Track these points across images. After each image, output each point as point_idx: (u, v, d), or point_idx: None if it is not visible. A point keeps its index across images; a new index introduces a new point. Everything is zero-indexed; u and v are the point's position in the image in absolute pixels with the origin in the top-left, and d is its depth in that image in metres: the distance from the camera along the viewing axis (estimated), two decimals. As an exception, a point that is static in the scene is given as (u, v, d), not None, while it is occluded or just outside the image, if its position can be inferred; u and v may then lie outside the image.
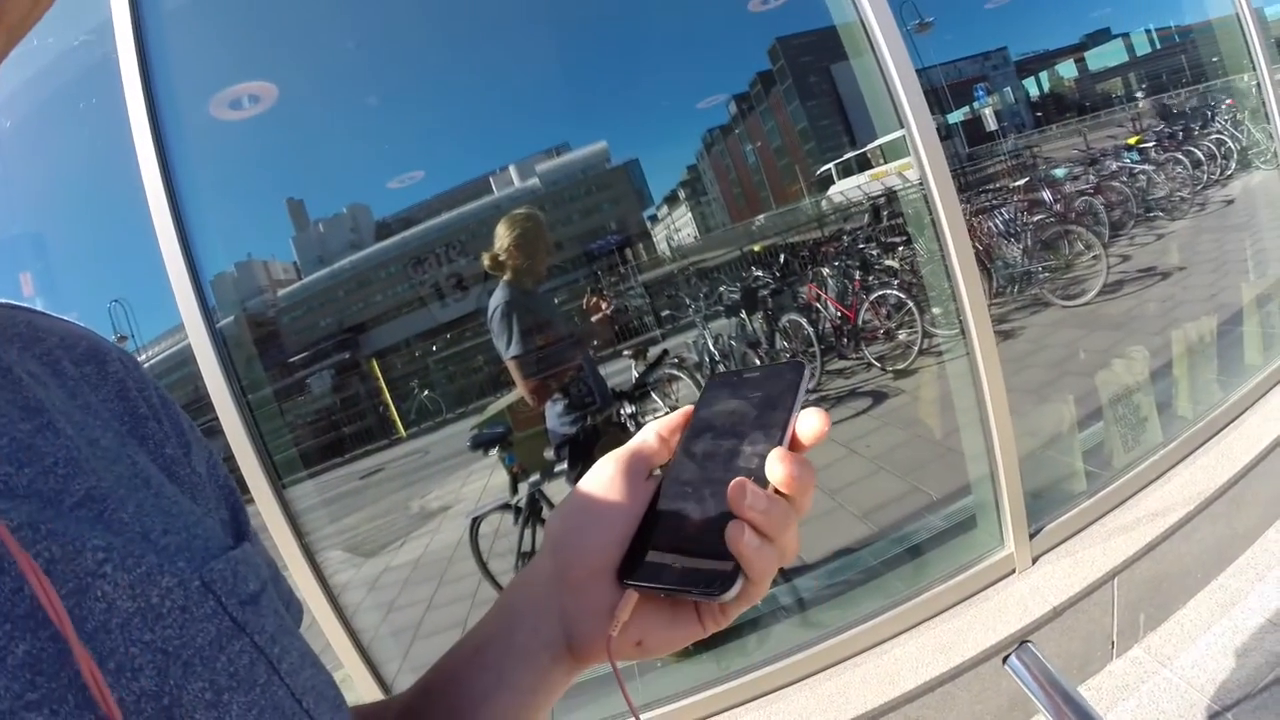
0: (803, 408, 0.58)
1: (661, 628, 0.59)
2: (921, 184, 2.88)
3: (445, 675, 0.64)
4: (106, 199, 3.32)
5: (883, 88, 2.84)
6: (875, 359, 6.51)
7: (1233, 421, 3.66)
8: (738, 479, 0.54)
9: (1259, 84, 4.14)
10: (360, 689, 2.80)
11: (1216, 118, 7.58)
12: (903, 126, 2.83)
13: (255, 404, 2.70)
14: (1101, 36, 8.32)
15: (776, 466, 0.54)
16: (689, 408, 0.66)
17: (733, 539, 0.52)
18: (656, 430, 0.65)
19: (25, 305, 0.53)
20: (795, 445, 0.57)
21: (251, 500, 2.58)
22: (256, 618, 0.44)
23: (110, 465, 0.45)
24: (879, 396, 6.08)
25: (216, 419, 2.55)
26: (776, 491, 0.54)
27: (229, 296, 4.26)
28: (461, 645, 0.65)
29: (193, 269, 2.47)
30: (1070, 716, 0.90)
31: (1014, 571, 3.08)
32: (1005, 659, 0.97)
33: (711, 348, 6.35)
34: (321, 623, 2.71)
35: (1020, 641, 0.99)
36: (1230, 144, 7.32)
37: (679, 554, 0.56)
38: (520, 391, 3.48)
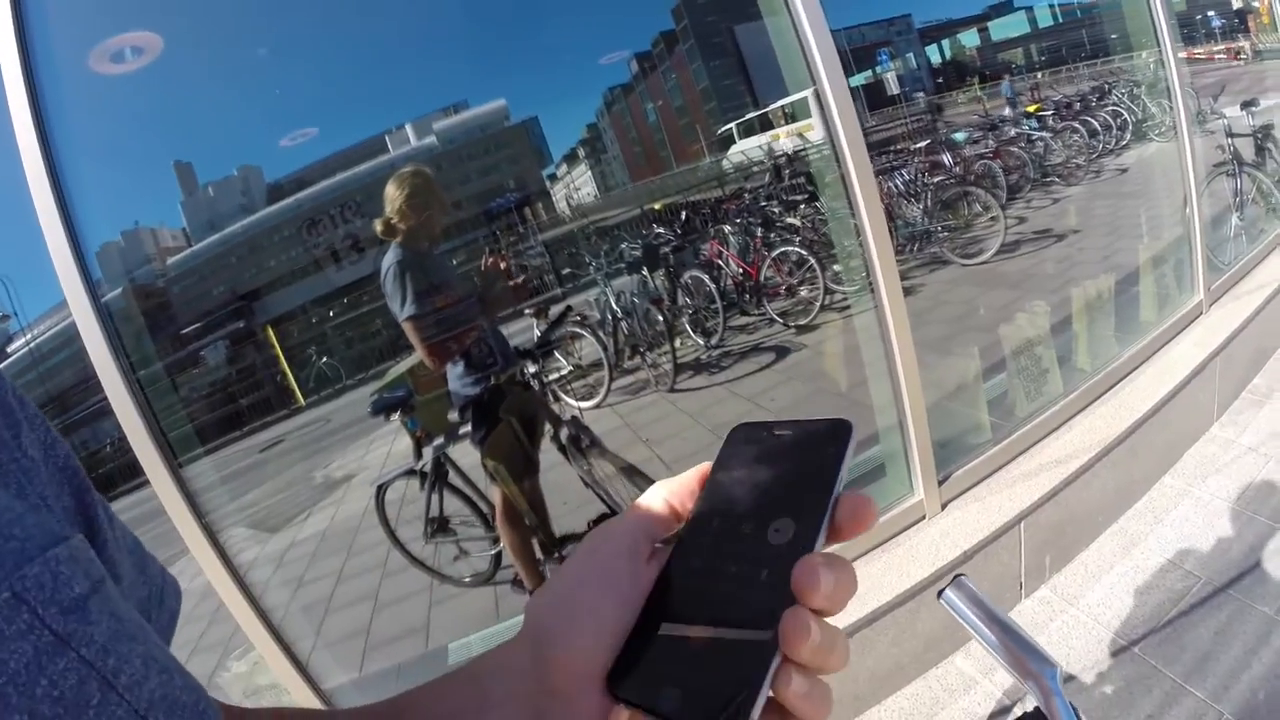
0: (844, 485, 0.48)
1: None
2: (831, 141, 2.89)
3: None
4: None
5: (795, 45, 2.83)
6: (778, 315, 6.60)
7: (1129, 374, 3.86)
8: (794, 612, 0.43)
9: (1161, 60, 4.28)
10: (274, 670, 2.73)
11: (1113, 91, 7.88)
12: (814, 83, 2.82)
13: (146, 381, 2.56)
14: (1004, 8, 8.60)
15: (813, 580, 0.43)
16: (705, 466, 0.55)
17: (780, 689, 0.43)
18: (665, 495, 0.55)
19: None
20: (833, 533, 0.47)
21: (147, 483, 2.47)
22: (83, 626, 0.37)
23: None
24: (782, 351, 6.17)
25: (105, 399, 2.42)
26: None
27: (116, 268, 4.05)
28: (421, 703, 0.56)
29: (74, 240, 2.31)
30: (1007, 642, 0.92)
31: (924, 517, 3.18)
32: (940, 593, 0.99)
33: (614, 305, 6.34)
34: (228, 604, 2.62)
35: (954, 575, 1.01)
36: (1126, 116, 7.68)
37: (685, 667, 0.45)
38: (418, 354, 3.40)
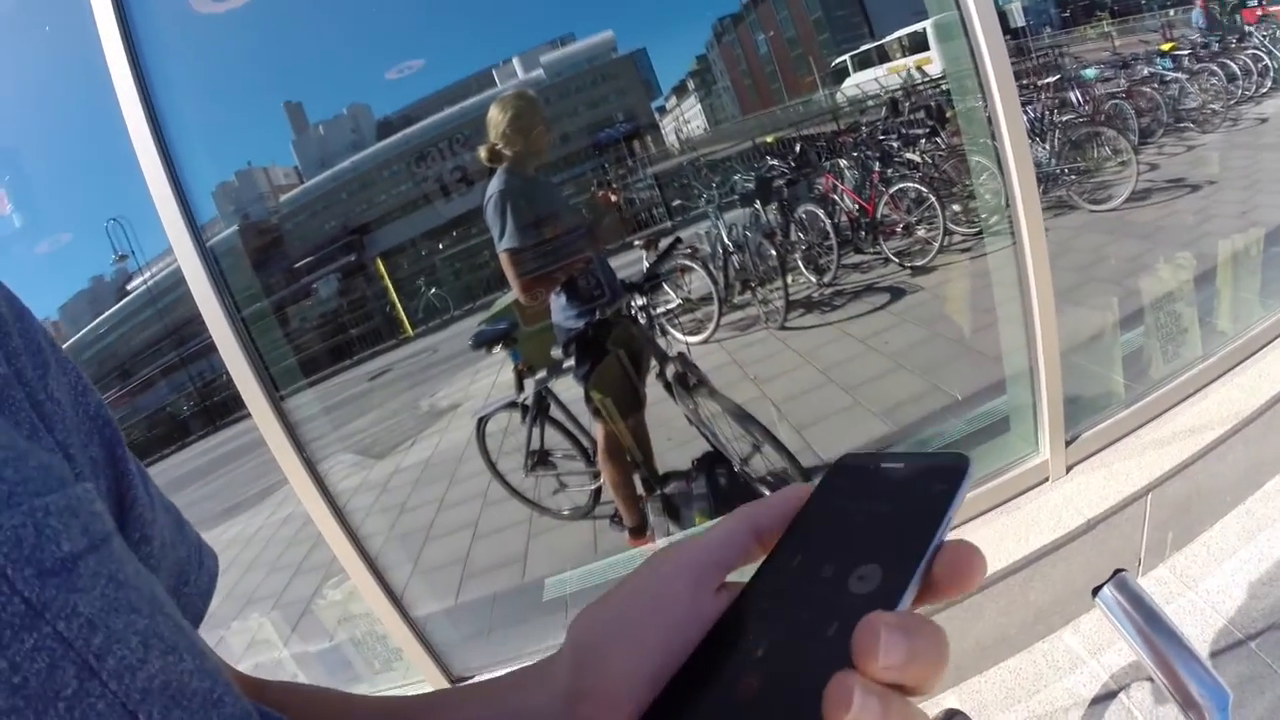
0: (949, 529, 0.40)
1: None
2: (975, 67, 2.66)
3: None
4: (86, 111, 3.17)
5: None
6: (894, 254, 6.38)
7: (1271, 342, 3.51)
8: (840, 678, 0.34)
9: None
10: (368, 599, 2.83)
11: (1253, 34, 7.33)
12: (958, 6, 2.62)
13: (252, 317, 2.65)
14: None
15: (870, 642, 0.34)
16: (801, 489, 0.47)
17: None
18: (750, 521, 0.46)
19: None
20: (928, 590, 0.39)
21: (248, 415, 2.57)
22: (64, 594, 0.30)
23: None
24: (897, 293, 6.00)
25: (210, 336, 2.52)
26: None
27: (230, 206, 4.19)
28: (439, 706, 0.53)
29: (176, 183, 2.38)
30: (1169, 658, 0.82)
31: (1047, 479, 3.01)
32: (1096, 590, 0.88)
33: (725, 238, 6.23)
34: (326, 535, 2.72)
35: (1115, 570, 0.89)
36: (1268, 61, 7.12)
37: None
38: (513, 289, 3.38)
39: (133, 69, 2.32)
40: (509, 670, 0.51)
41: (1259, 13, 7.81)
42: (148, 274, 4.32)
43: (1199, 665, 0.80)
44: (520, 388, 4.10)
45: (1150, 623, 0.83)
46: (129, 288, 4.68)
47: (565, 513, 4.22)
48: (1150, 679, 0.82)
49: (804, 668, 0.37)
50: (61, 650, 0.29)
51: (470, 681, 0.55)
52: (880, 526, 0.42)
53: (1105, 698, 2.56)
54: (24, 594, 0.29)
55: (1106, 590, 0.86)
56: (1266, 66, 7.11)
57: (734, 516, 0.47)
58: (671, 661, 0.42)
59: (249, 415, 2.59)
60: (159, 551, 0.47)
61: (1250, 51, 7.21)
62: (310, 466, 2.67)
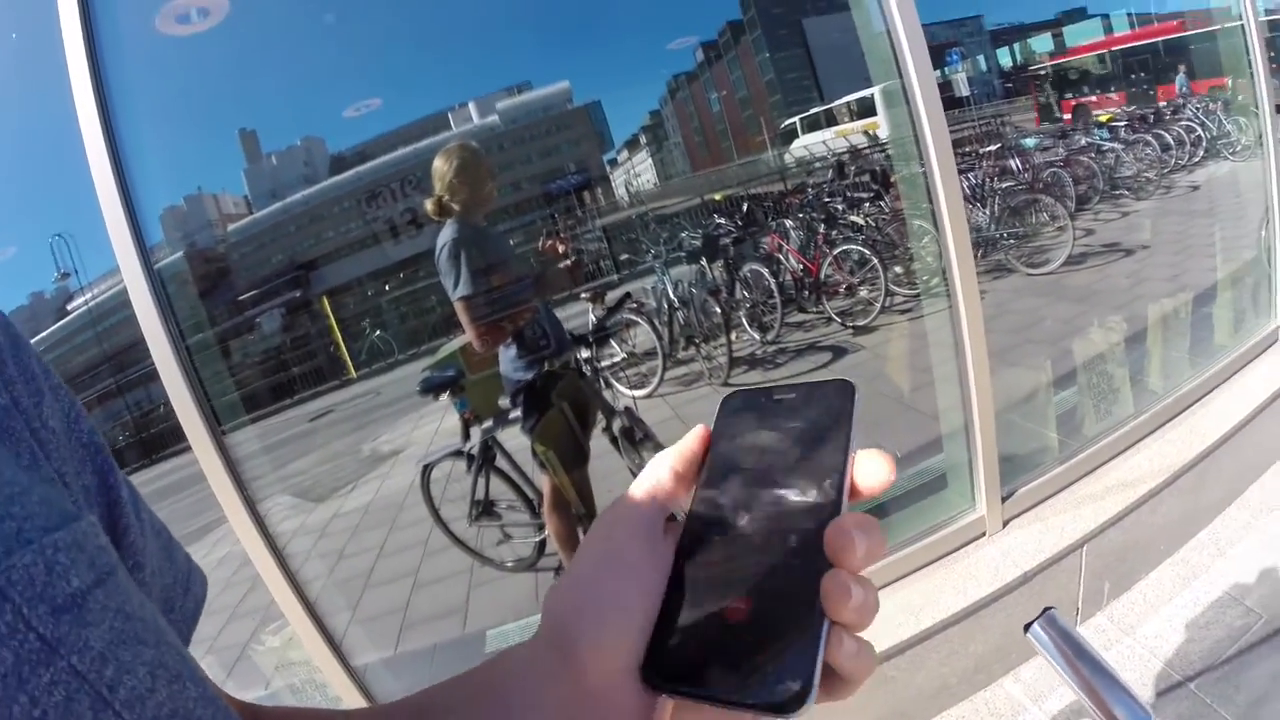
0: (857, 446, 0.47)
1: None
2: (915, 135, 2.76)
3: None
4: (40, 124, 3.07)
5: (881, 35, 2.74)
6: (836, 314, 6.47)
7: (1201, 398, 3.68)
8: (833, 575, 0.42)
9: (1253, 81, 4.11)
10: (307, 645, 2.72)
11: (1188, 105, 7.73)
12: (900, 75, 2.71)
13: (196, 347, 2.57)
14: (1077, 15, 8.61)
15: (847, 543, 0.42)
16: (703, 431, 0.53)
17: (833, 653, 0.41)
18: (669, 464, 0.52)
19: None
20: (853, 493, 0.47)
21: (189, 448, 2.48)
22: (77, 629, 0.31)
23: None
24: (839, 351, 6.07)
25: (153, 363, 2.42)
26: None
27: (177, 232, 4.10)
28: (436, 706, 0.52)
29: (128, 203, 2.30)
30: (1096, 686, 0.86)
31: (984, 534, 3.06)
32: (1027, 626, 0.93)
33: (671, 294, 6.26)
34: (264, 577, 2.61)
35: (1044, 609, 0.95)
36: (1200, 132, 7.49)
37: (727, 645, 0.43)
38: (468, 336, 3.34)
39: (93, 82, 2.26)
40: (484, 664, 0.53)
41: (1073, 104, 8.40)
42: (89, 294, 4.19)
43: (1121, 689, 0.85)
44: (466, 436, 4.02)
45: (1076, 653, 0.89)
46: (69, 307, 4.53)
47: (509, 564, 4.13)
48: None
49: (786, 580, 0.43)
50: (76, 684, 0.30)
51: (452, 680, 0.53)
52: (795, 447, 0.49)
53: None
54: (39, 630, 0.30)
55: (1037, 626, 0.93)
56: (1199, 137, 7.47)
57: (654, 464, 0.52)
58: (650, 610, 0.47)
59: (188, 448, 2.50)
60: (149, 579, 0.47)
61: (1184, 123, 7.57)
62: (250, 505, 2.57)
